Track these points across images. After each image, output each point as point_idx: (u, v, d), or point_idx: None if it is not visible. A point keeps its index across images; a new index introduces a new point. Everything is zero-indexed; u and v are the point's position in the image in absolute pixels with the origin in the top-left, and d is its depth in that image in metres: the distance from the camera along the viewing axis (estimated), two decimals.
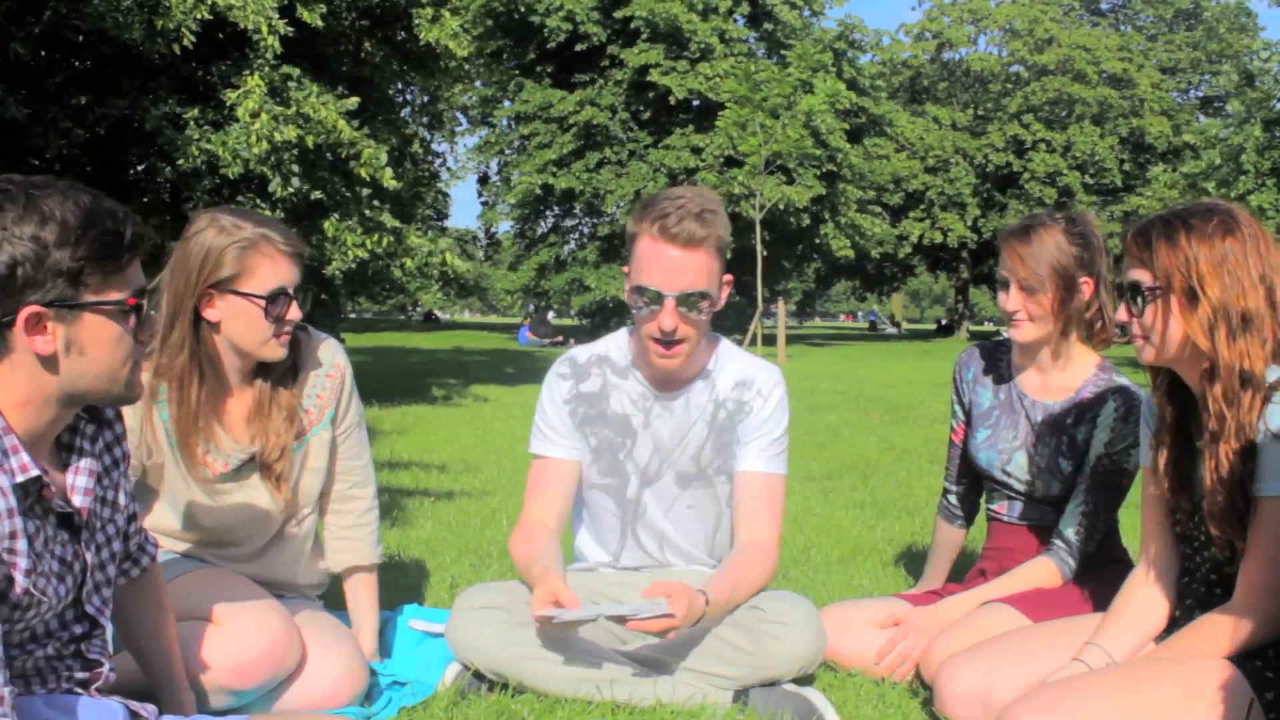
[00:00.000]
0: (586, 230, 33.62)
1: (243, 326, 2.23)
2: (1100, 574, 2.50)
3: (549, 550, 2.35)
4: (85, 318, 1.49)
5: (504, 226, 36.01)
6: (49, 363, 1.49)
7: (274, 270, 2.21)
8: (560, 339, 28.66)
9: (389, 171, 9.67)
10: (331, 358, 2.45)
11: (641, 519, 2.51)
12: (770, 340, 23.43)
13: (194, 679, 2.03)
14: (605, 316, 30.72)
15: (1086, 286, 2.52)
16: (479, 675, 2.31)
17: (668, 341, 2.33)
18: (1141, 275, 1.96)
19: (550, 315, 32.83)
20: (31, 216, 1.45)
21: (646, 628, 2.11)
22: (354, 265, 9.90)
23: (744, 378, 2.50)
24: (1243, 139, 20.28)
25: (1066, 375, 2.63)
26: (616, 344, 2.55)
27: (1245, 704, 1.81)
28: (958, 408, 2.80)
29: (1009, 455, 2.66)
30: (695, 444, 2.47)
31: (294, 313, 2.25)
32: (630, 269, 2.36)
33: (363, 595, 2.56)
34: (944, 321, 49.92)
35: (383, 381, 12.90)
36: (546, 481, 2.49)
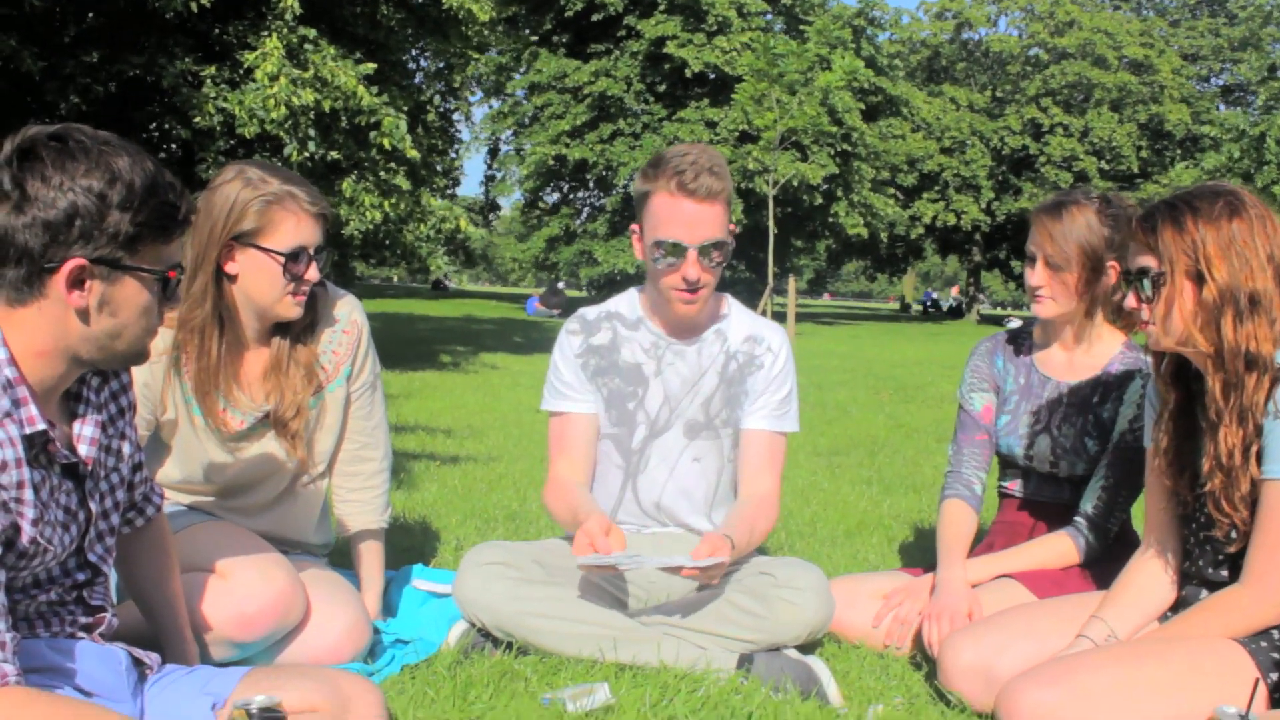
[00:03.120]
0: (596, 203, 33.55)
1: (260, 282, 2.22)
2: (1109, 553, 2.49)
3: (587, 499, 2.40)
4: (125, 280, 1.50)
5: (513, 198, 35.98)
6: (79, 316, 1.49)
7: (297, 228, 2.21)
8: (558, 313, 28.57)
9: (409, 140, 9.64)
10: (348, 314, 2.44)
11: (644, 471, 2.53)
12: (780, 317, 23.38)
13: (198, 630, 2.03)
14: (614, 289, 30.71)
15: (1114, 270, 2.50)
16: (484, 634, 2.32)
17: (693, 290, 2.39)
18: (1148, 261, 1.95)
19: (561, 285, 32.73)
20: (100, 172, 1.45)
21: (698, 572, 2.14)
22: (371, 227, 9.90)
23: (754, 333, 2.56)
24: (1265, 127, 20.08)
25: (1092, 355, 2.61)
26: (626, 301, 2.61)
27: (1250, 684, 1.81)
28: (984, 389, 2.74)
29: (1030, 439, 2.64)
30: (705, 393, 2.51)
31: (312, 273, 2.25)
32: (644, 226, 2.39)
33: (369, 556, 2.56)
34: (932, 297, 49.81)
35: (391, 347, 12.89)
36: (568, 437, 2.52)
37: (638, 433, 2.52)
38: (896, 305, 59.40)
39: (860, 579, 2.70)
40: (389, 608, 2.66)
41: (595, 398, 2.53)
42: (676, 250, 2.33)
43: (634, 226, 2.44)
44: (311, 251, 2.24)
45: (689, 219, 2.32)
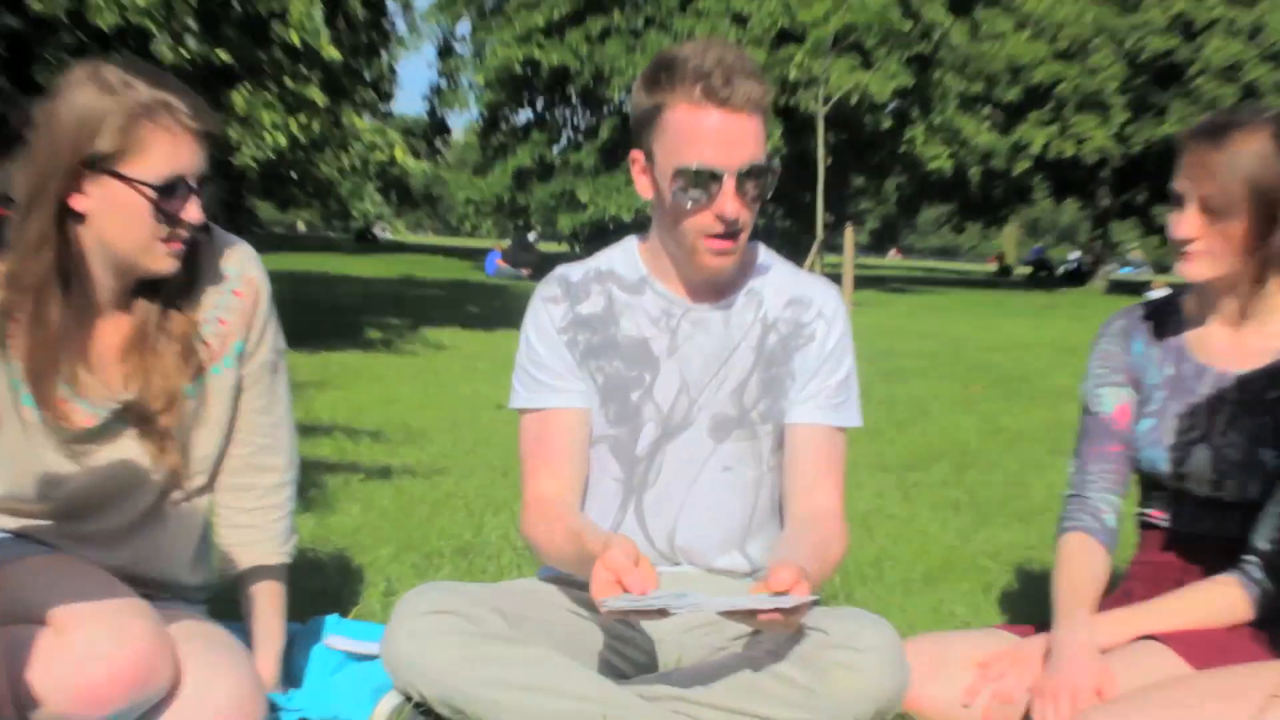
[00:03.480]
0: (582, 125, 33.57)
1: (121, 223, 2.21)
2: None
3: (592, 522, 2.43)
4: None
5: (468, 117, 35.92)
6: None
7: (172, 151, 2.20)
8: (526, 273, 28.54)
9: (325, 35, 9.61)
10: (241, 269, 2.44)
11: (652, 486, 2.55)
12: (833, 281, 23.37)
13: (21, 705, 2.01)
14: (605, 243, 30.56)
15: None
16: (424, 711, 2.30)
17: (730, 233, 2.40)
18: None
19: (532, 237, 32.77)
20: None
21: (780, 617, 2.09)
22: (272, 156, 9.87)
23: (799, 294, 2.60)
24: None
25: (1265, 334, 2.59)
26: (622, 255, 2.63)
27: None
28: (1118, 382, 2.74)
29: (1184, 452, 2.62)
30: (738, 376, 2.55)
31: (193, 212, 2.24)
32: (654, 152, 2.40)
33: (265, 603, 2.56)
34: (1042, 255, 49.73)
35: (300, 318, 12.86)
36: (551, 443, 2.54)
37: (645, 433, 2.53)
38: (994, 267, 59.47)
39: (946, 640, 2.70)
40: (291, 675, 2.65)
41: (586, 387, 2.55)
42: (707, 179, 2.34)
43: (635, 155, 2.45)
44: (192, 183, 2.23)
45: (722, 135, 2.32)
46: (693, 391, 2.54)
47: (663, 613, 2.08)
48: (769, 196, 2.44)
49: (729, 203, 2.35)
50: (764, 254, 2.64)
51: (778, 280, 2.60)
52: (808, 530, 2.46)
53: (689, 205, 2.37)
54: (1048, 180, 40.81)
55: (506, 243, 33.47)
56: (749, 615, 2.10)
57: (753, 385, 2.55)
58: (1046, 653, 2.51)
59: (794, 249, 26.22)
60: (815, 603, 2.13)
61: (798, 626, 2.20)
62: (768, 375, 2.55)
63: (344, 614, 3.11)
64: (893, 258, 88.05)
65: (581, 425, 2.55)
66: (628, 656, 2.48)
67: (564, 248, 35.35)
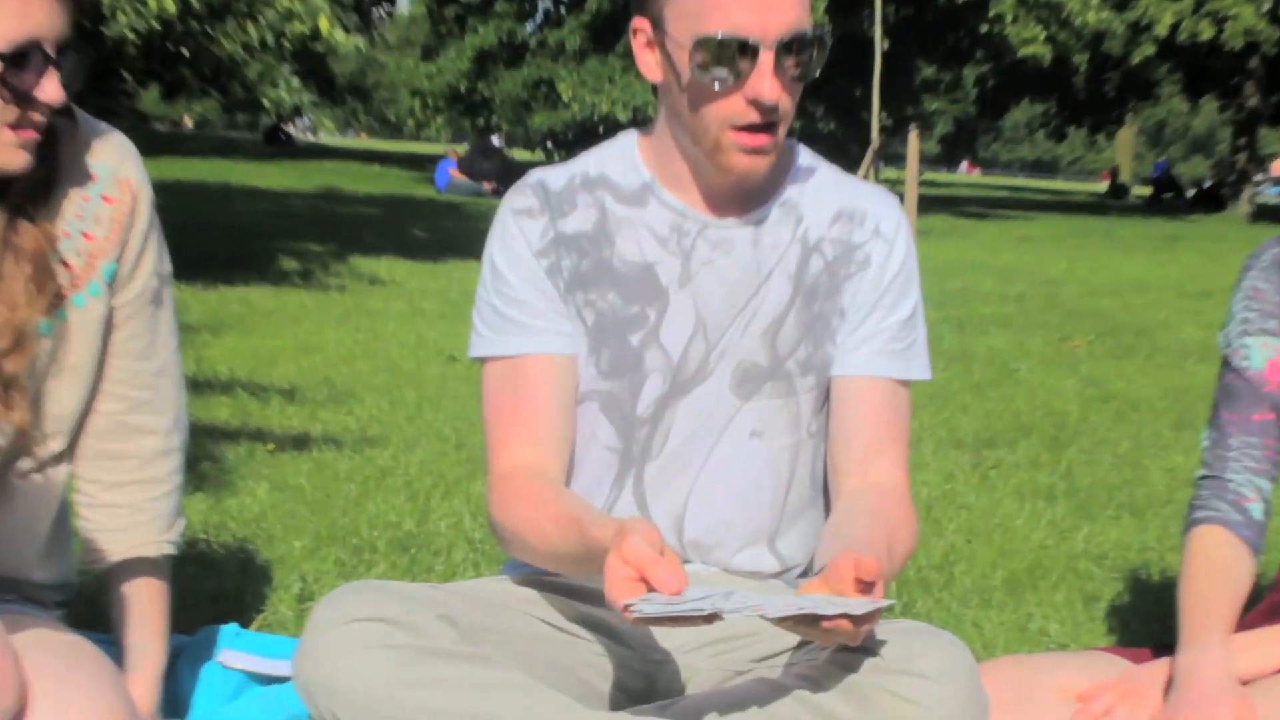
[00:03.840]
0: None
1: None
2: None
3: (586, 503, 2.41)
4: None
5: None
6: None
7: (23, 8, 2.18)
8: (488, 188, 28.44)
9: None
10: (114, 167, 2.43)
11: (656, 457, 2.55)
12: None
13: None
14: (589, 147, 30.47)
15: None
16: None
17: (766, 124, 2.37)
18: None
19: (497, 141, 32.70)
20: None
21: (843, 629, 2.05)
22: (157, 25, 9.83)
23: (850, 206, 2.59)
24: None
25: None
26: (619, 156, 2.60)
27: None
28: (1270, 331, 2.73)
29: None
30: (771, 313, 2.54)
31: (50, 90, 2.23)
32: (664, 20, 2.38)
33: (141, 608, 2.57)
34: (1166, 170, 49.66)
35: (189, 243, 12.80)
36: (526, 400, 2.53)
37: (649, 388, 2.52)
38: (1103, 186, 59.46)
39: (1035, 665, 2.70)
40: (176, 701, 2.67)
41: (572, 327, 2.55)
42: (736, 52, 2.32)
43: (639, 24, 2.44)
44: (50, 51, 2.22)
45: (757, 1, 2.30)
46: (711, 333, 2.53)
47: (711, 618, 2.04)
48: (814, 78, 2.41)
49: (765, 82, 2.32)
50: (805, 155, 2.63)
51: (822, 189, 2.59)
52: (867, 513, 2.45)
53: (715, 87, 2.35)
54: (1177, 72, 40.74)
55: (463, 148, 33.35)
56: (810, 623, 2.08)
57: (790, 325, 2.53)
58: (1167, 683, 2.50)
59: (840, 159, 26.08)
60: (890, 608, 2.14)
61: (860, 640, 2.16)
62: (810, 312, 2.54)
63: (245, 624, 3.11)
64: (970, 173, 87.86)
65: (566, 376, 2.53)
66: (619, 681, 2.45)
67: (538, 156, 35.26)
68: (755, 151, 2.39)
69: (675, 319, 2.53)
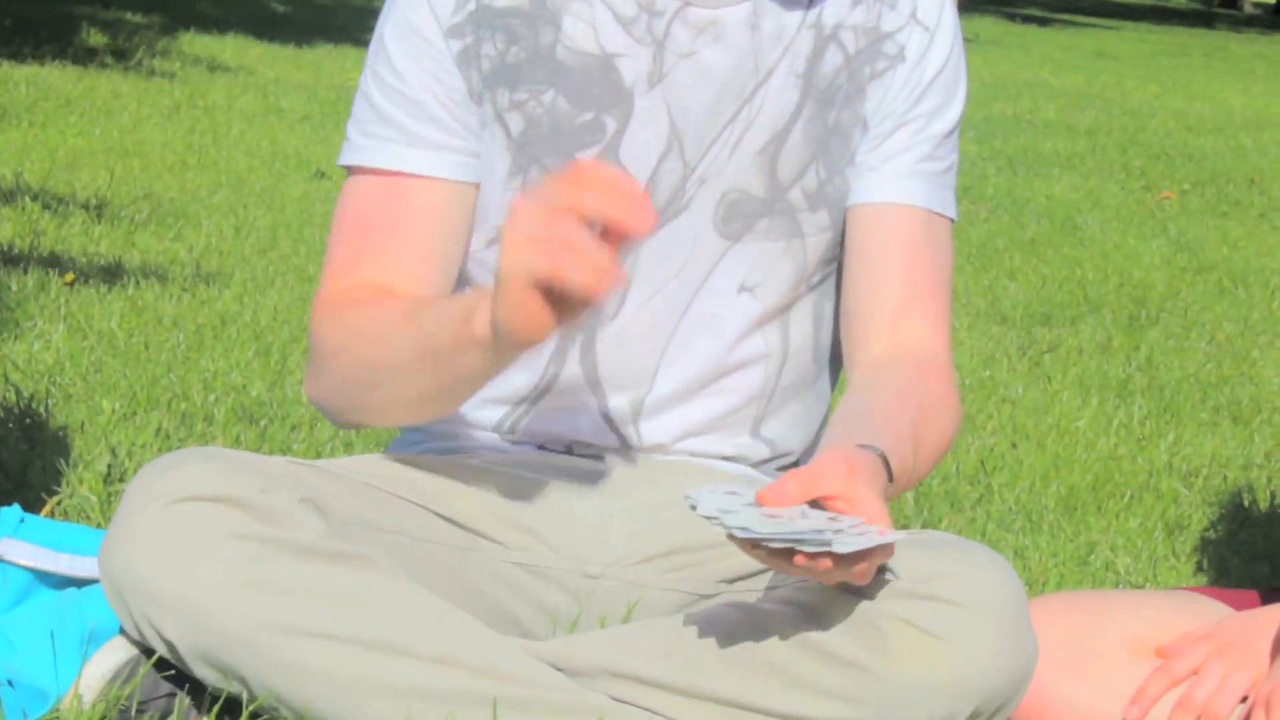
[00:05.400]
0: None
1: None
2: None
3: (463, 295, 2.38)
4: None
5: None
6: None
7: None
8: None
9: None
10: None
11: (613, 318, 2.55)
12: None
13: None
14: None
15: None
16: (173, 672, 2.28)
17: None
18: None
19: None
20: None
21: (824, 568, 2.07)
22: None
23: None
24: None
25: None
26: None
27: None
28: None
29: None
30: (770, 123, 2.50)
31: None
32: None
33: None
34: None
35: None
36: (397, 227, 2.52)
37: None
38: None
39: (1101, 605, 2.77)
40: None
41: (477, 143, 2.52)
42: None
43: None
44: None
45: None
46: (690, 151, 2.50)
47: (798, 549, 2.03)
48: None
49: None
50: None
51: None
52: (894, 387, 2.43)
53: None
54: None
55: None
56: (780, 557, 2.04)
57: (795, 142, 2.49)
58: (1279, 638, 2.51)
59: None
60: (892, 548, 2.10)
61: (866, 580, 2.15)
62: (823, 125, 2.50)
63: (31, 508, 3.05)
64: None
65: (456, 210, 2.55)
66: (540, 601, 2.47)
67: None
68: None
69: (641, 130, 2.51)
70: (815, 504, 2.07)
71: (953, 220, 2.59)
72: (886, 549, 2.05)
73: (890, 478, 2.21)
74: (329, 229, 2.55)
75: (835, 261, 2.58)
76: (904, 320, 2.52)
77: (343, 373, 2.42)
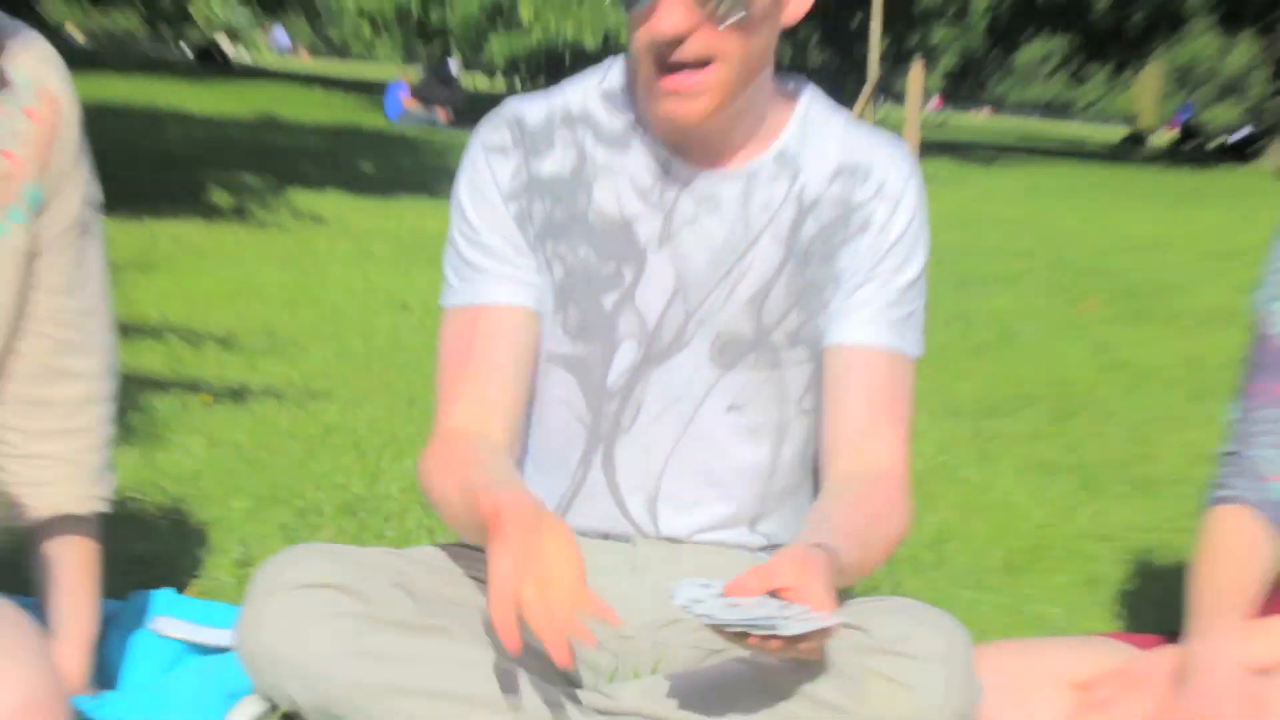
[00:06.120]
0: None
1: None
2: None
3: (494, 469, 2.35)
4: None
5: None
6: None
7: None
8: (444, 118, 28.25)
9: None
10: (38, 78, 2.41)
11: (628, 431, 2.56)
12: None
13: None
14: (556, 78, 30.42)
15: None
16: None
17: (678, 64, 2.29)
18: None
19: (454, 66, 32.47)
20: None
21: (771, 649, 2.05)
22: None
23: (853, 161, 2.56)
24: None
25: None
26: (600, 89, 2.58)
27: None
28: None
29: None
30: (758, 278, 2.53)
31: None
32: None
33: (70, 569, 2.57)
34: (1192, 118, 49.34)
35: (113, 172, 12.62)
36: (476, 353, 2.53)
37: (621, 354, 2.53)
38: (1124, 132, 59.33)
39: (1033, 650, 2.74)
40: (106, 671, 2.67)
41: (541, 279, 2.55)
42: None
43: None
44: None
45: None
46: (691, 298, 2.53)
47: (751, 636, 2.04)
48: (739, 17, 2.27)
49: (663, 12, 2.26)
50: (809, 98, 2.60)
51: (826, 138, 2.57)
52: (851, 497, 2.46)
53: (636, 15, 2.31)
54: (1212, 3, 40.63)
55: (416, 72, 33.15)
56: (737, 639, 2.07)
57: (778, 292, 2.54)
58: (1177, 673, 2.52)
59: (838, 92, 26.05)
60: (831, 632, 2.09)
61: (815, 656, 2.14)
62: (801, 279, 2.54)
63: (180, 589, 3.12)
64: (978, 114, 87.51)
65: (525, 330, 2.53)
66: (586, 660, 2.46)
67: (499, 86, 34.95)
68: (675, 96, 2.34)
69: (652, 281, 2.53)
70: (774, 594, 2.09)
71: (916, 355, 2.62)
72: (828, 630, 2.06)
73: (839, 571, 2.21)
74: (432, 361, 2.58)
75: (816, 391, 2.60)
76: (865, 442, 2.54)
77: (442, 510, 2.48)
